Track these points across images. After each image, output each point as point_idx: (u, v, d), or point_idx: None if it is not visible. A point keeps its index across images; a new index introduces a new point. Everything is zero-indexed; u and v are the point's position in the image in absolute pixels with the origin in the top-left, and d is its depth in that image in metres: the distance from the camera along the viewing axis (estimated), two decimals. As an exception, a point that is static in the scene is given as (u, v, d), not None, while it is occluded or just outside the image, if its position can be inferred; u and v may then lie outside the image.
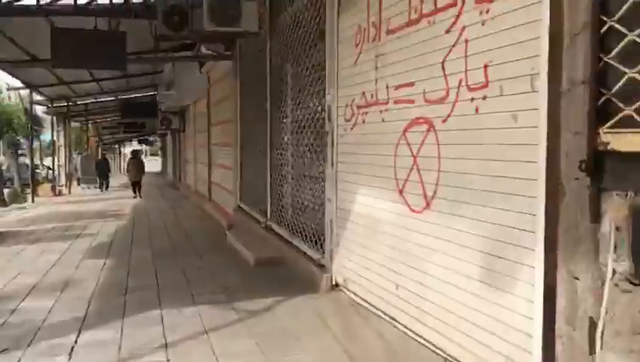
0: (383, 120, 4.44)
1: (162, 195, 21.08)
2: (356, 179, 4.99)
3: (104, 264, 7.62)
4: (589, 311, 2.40)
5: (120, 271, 7.08)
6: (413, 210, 3.98)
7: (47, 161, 27.65)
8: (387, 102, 4.36)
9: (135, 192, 20.26)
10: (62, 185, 23.96)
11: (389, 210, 4.34)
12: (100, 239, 9.96)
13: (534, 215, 2.74)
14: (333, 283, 5.51)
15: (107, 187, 25.19)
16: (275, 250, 7.48)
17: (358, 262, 4.96)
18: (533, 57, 2.74)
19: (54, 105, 22.69)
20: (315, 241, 6.06)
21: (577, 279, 2.47)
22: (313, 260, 5.99)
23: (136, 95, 25.19)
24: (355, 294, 5.05)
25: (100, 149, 44.70)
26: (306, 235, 6.43)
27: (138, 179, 20.58)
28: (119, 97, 24.44)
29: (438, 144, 3.66)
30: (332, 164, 5.47)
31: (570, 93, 2.49)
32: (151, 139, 47.38)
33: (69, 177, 25.20)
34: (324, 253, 5.75)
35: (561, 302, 2.57)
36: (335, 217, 5.44)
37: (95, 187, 25.71)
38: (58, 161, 26.49)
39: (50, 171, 25.00)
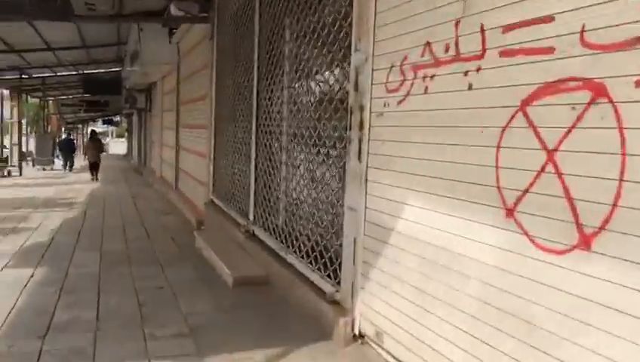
0: (470, 86, 2.62)
1: (124, 180, 18.90)
2: (404, 182, 3.19)
3: (30, 277, 5.63)
4: None
5: (48, 291, 5.12)
6: (542, 248, 2.19)
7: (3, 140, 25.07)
8: (482, 56, 2.54)
9: (92, 174, 19.03)
10: (12, 166, 21.54)
11: (479, 240, 2.55)
12: (37, 237, 7.93)
13: None
14: (356, 331, 3.70)
15: (72, 167, 23.73)
16: (259, 265, 5.64)
17: (405, 311, 3.16)
18: None
19: (5, 76, 20.25)
20: (324, 264, 4.23)
21: None
22: (320, 291, 4.17)
23: (100, 70, 22.96)
24: (396, 359, 3.26)
25: (63, 128, 42.02)
26: (307, 253, 4.60)
27: (96, 160, 19.56)
28: (81, 72, 22.17)
29: (621, 128, 1.88)
30: (359, 157, 3.65)
31: None
32: (117, 119, 44.64)
33: (22, 157, 22.75)
34: (339, 283, 3.93)
35: None
36: (361, 235, 3.63)
37: (51, 168, 23.35)
38: (11, 140, 24.02)
39: (1, 150, 22.49)
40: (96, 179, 18.75)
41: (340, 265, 3.94)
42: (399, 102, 3.23)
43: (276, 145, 5.72)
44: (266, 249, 5.68)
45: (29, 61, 18.30)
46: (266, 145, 6.04)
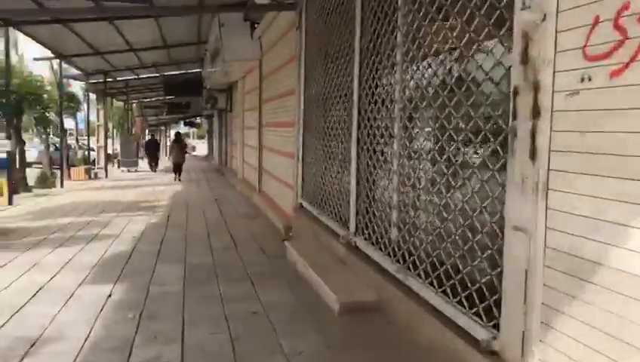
0: None
1: (206, 181, 18.53)
2: (619, 192, 2.11)
3: (108, 297, 4.94)
4: None
5: (126, 317, 4.37)
6: None
7: (91, 142, 25.59)
8: None
9: (176, 174, 19.09)
10: (99, 168, 21.77)
11: None
12: (118, 245, 7.34)
13: None
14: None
15: (156, 166, 24.13)
16: (367, 286, 4.66)
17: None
18: None
19: (91, 80, 20.45)
20: (468, 298, 3.20)
21: None
22: (463, 332, 3.14)
23: (181, 71, 22.90)
24: None
25: (147, 131, 43.09)
26: (439, 279, 3.58)
27: (180, 161, 19.48)
28: (162, 74, 22.16)
29: None
30: (532, 156, 2.60)
31: None
32: (197, 120, 45.22)
33: (108, 160, 23.03)
34: (496, 327, 2.89)
35: None
36: (538, 266, 2.56)
37: (136, 170, 23.52)
38: (97, 142, 24.42)
39: (88, 153, 22.84)
40: (180, 179, 18.76)
41: (497, 302, 2.88)
42: (614, 74, 2.14)
43: (387, 141, 4.72)
44: (372, 265, 4.70)
45: (113, 64, 18.31)
46: (371, 142, 5.06)
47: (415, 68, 4.23)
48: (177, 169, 19.25)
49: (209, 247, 7.26)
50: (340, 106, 6.00)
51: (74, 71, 20.39)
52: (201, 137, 66.31)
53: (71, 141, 28.59)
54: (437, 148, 3.79)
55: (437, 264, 3.64)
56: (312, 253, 5.86)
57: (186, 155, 21.95)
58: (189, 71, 22.86)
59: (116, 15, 11.61)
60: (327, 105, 6.58)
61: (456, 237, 3.47)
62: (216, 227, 8.91)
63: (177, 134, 22.22)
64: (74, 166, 20.45)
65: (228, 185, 17.02)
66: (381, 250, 4.67)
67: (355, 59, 5.40)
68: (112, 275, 5.71)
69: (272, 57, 10.70)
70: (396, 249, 4.38)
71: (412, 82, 4.29)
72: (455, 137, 3.48)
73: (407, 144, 4.34)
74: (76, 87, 28.20)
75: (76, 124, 31.55)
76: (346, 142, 5.76)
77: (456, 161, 3.52)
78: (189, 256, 6.72)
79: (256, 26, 11.67)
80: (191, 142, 56.16)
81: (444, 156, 3.64)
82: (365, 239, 5.13)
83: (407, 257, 4.16)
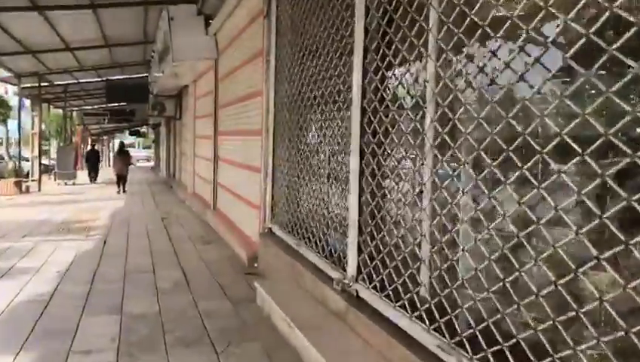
0: None
1: (152, 196, 16.65)
2: None
3: (0, 384, 3.33)
4: None
5: None
6: None
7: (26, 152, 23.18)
8: None
9: (119, 186, 17.96)
10: (32, 180, 19.53)
11: None
12: (35, 285, 5.62)
13: None
14: None
15: (96, 178, 22.92)
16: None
17: None
18: None
19: (24, 84, 18.28)
20: None
21: None
22: None
23: (125, 76, 21.02)
24: None
25: (89, 141, 40.50)
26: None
27: (124, 173, 18.19)
28: (104, 78, 20.23)
29: None
30: None
31: None
32: (143, 130, 42.79)
33: (42, 171, 20.75)
34: None
35: None
36: None
37: (74, 183, 21.34)
38: (32, 152, 22.09)
39: (19, 163, 20.51)
40: (125, 191, 17.72)
41: None
42: None
43: (415, 152, 3.30)
44: (390, 330, 3.26)
45: (49, 65, 16.33)
46: (382, 152, 3.63)
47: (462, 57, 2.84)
48: (121, 181, 17.98)
49: (154, 287, 5.65)
50: (332, 108, 4.56)
51: (3, 73, 18.17)
52: (146, 147, 63.31)
53: (0, 151, 25.94)
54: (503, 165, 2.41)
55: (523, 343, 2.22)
56: (293, 302, 4.36)
57: (131, 166, 20.24)
58: (135, 75, 21.01)
59: (46, 4, 9.83)
60: (309, 108, 5.13)
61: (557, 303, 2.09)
62: (164, 256, 7.26)
63: (121, 144, 20.41)
64: (3, 178, 18.18)
65: (177, 201, 15.27)
66: (404, 309, 3.23)
67: (358, 47, 3.97)
68: (14, 339, 4.04)
69: (231, 55, 9.18)
70: (433, 313, 2.94)
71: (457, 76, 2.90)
72: (539, 146, 2.09)
73: (441, 154, 2.92)
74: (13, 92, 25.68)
75: (7, 131, 28.85)
76: (342, 153, 4.32)
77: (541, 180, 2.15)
78: (127, 301, 5.10)
79: (211, 21, 10.15)
80: (139, 153, 53.35)
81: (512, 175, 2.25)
82: (372, 289, 3.67)
83: (454, 325, 2.73)
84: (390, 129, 3.53)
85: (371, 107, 3.78)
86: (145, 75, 20.14)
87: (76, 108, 28.93)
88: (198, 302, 5.05)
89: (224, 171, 9.86)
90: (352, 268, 4.00)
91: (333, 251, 4.43)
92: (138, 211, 12.66)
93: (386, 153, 3.61)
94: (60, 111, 26.49)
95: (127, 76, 21.06)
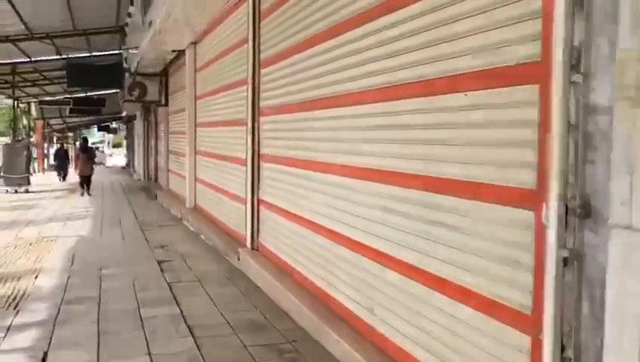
0: None
1: (130, 211, 11.72)
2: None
3: None
4: None
5: None
6: None
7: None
8: None
9: (82, 188, 15.43)
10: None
11: None
12: None
13: None
14: None
15: (65, 177, 20.68)
16: None
17: None
18: None
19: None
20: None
21: None
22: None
23: (93, 54, 16.25)
24: None
25: (55, 139, 35.23)
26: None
27: (88, 173, 15.62)
28: (65, 56, 15.38)
29: None
30: None
31: None
32: (114, 125, 37.30)
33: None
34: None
35: None
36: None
37: (26, 190, 16.27)
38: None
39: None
40: (90, 194, 15.15)
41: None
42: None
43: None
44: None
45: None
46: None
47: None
48: (85, 182, 15.52)
49: None
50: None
51: None
52: (117, 145, 57.43)
53: None
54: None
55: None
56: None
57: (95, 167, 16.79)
58: (104, 53, 16.17)
59: None
60: None
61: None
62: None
63: (84, 140, 16.09)
64: None
65: (169, 218, 10.44)
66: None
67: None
68: None
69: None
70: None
71: None
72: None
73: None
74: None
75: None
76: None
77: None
78: None
79: None
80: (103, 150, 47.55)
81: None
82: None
83: None
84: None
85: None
86: (118, 50, 15.31)
87: (33, 100, 23.61)
88: None
89: (273, 180, 5.26)
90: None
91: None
92: (114, 244, 7.83)
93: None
94: (10, 102, 21.26)
95: (96, 53, 16.18)
